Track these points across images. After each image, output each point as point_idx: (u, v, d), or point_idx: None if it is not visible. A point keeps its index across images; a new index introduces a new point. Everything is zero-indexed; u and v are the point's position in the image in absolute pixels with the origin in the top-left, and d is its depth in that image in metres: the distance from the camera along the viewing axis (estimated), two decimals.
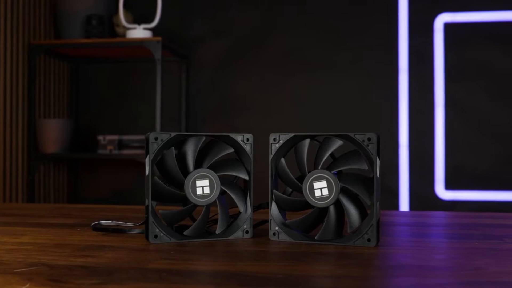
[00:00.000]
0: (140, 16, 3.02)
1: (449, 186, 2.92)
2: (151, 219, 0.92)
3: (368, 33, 2.99)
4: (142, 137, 2.89)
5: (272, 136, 0.96)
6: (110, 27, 2.99)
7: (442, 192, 2.92)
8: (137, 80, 3.19)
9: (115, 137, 2.89)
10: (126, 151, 2.88)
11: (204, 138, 0.96)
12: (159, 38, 2.72)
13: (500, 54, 2.88)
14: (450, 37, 2.91)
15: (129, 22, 2.90)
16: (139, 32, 2.81)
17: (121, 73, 3.22)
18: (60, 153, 2.90)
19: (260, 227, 1.03)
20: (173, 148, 0.94)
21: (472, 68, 2.91)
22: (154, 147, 0.93)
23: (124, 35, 2.91)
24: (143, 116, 3.09)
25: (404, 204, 2.92)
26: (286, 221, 0.96)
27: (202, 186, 0.95)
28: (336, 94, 3.00)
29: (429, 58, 2.92)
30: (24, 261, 0.77)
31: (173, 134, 0.94)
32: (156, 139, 0.93)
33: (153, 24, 2.82)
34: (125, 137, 2.90)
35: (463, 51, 2.92)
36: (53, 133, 2.87)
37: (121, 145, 2.88)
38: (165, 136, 0.93)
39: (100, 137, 2.90)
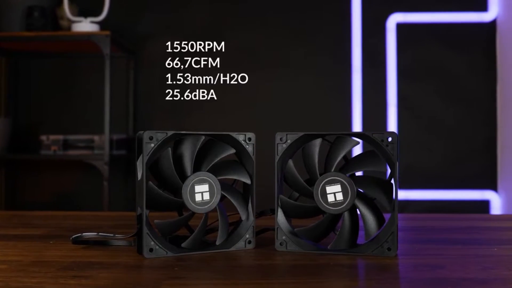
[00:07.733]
0: (86, 9, 2.83)
1: (401, 185, 2.91)
2: (145, 230, 0.81)
3: (321, 32, 2.94)
4: (89, 136, 2.71)
5: (278, 136, 0.87)
6: (53, 20, 2.80)
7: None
8: (82, 76, 2.99)
9: (60, 136, 2.69)
10: (71, 152, 2.69)
11: (203, 138, 0.86)
12: (108, 32, 2.56)
13: (451, 54, 2.90)
14: (403, 37, 2.91)
15: (74, 14, 2.72)
16: (85, 25, 2.64)
17: (65, 69, 3.01)
18: None
19: (260, 236, 0.94)
20: (170, 149, 0.83)
21: (423, 68, 2.92)
22: (149, 147, 0.81)
23: (69, 29, 2.72)
24: (89, 115, 2.91)
25: None
26: (295, 230, 0.87)
27: (202, 192, 0.84)
28: (289, 93, 2.93)
29: (382, 58, 2.91)
30: (6, 286, 0.64)
31: (170, 133, 0.83)
32: (151, 138, 0.82)
33: (101, 17, 2.66)
34: (71, 137, 2.71)
35: (415, 51, 2.92)
36: None
37: (66, 145, 2.69)
38: (161, 135, 0.82)
39: (43, 137, 2.70)
